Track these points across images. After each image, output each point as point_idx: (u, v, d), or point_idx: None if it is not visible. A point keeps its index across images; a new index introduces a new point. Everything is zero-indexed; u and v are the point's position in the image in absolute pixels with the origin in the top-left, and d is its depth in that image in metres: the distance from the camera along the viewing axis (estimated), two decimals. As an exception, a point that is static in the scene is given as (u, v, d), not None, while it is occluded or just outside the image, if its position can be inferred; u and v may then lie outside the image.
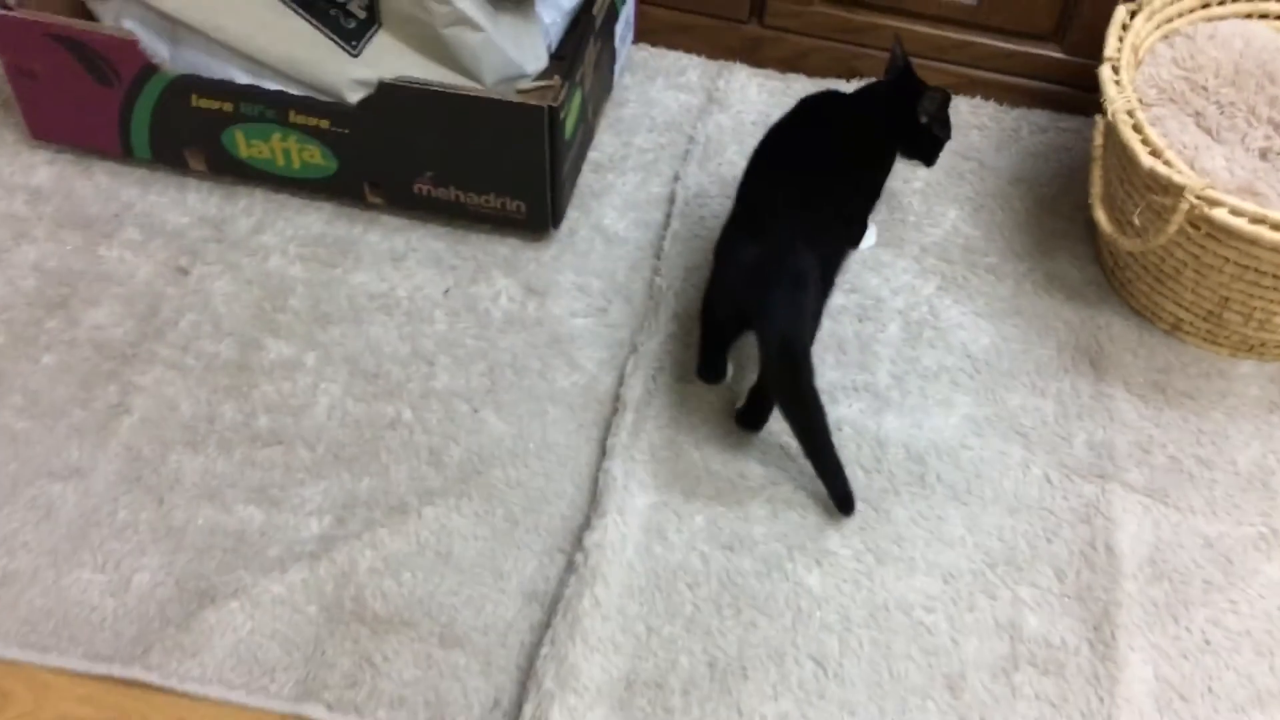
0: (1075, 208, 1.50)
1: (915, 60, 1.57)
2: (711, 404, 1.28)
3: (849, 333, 1.37)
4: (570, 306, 1.37)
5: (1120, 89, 1.26)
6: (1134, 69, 1.34)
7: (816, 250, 1.19)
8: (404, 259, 1.40)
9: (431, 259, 1.40)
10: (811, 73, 1.65)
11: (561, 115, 1.29)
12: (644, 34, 1.67)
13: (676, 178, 1.51)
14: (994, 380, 1.33)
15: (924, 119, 1.31)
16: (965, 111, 1.61)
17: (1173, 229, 1.20)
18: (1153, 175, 1.21)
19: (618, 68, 1.59)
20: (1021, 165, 1.56)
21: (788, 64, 1.65)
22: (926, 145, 1.33)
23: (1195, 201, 1.18)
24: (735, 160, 1.54)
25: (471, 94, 1.29)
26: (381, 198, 1.42)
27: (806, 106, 1.35)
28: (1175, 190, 1.19)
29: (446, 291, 1.37)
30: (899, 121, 1.33)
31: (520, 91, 1.30)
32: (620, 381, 1.29)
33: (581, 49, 1.35)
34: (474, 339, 1.33)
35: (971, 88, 1.61)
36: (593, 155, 1.54)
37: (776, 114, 1.56)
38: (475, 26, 1.29)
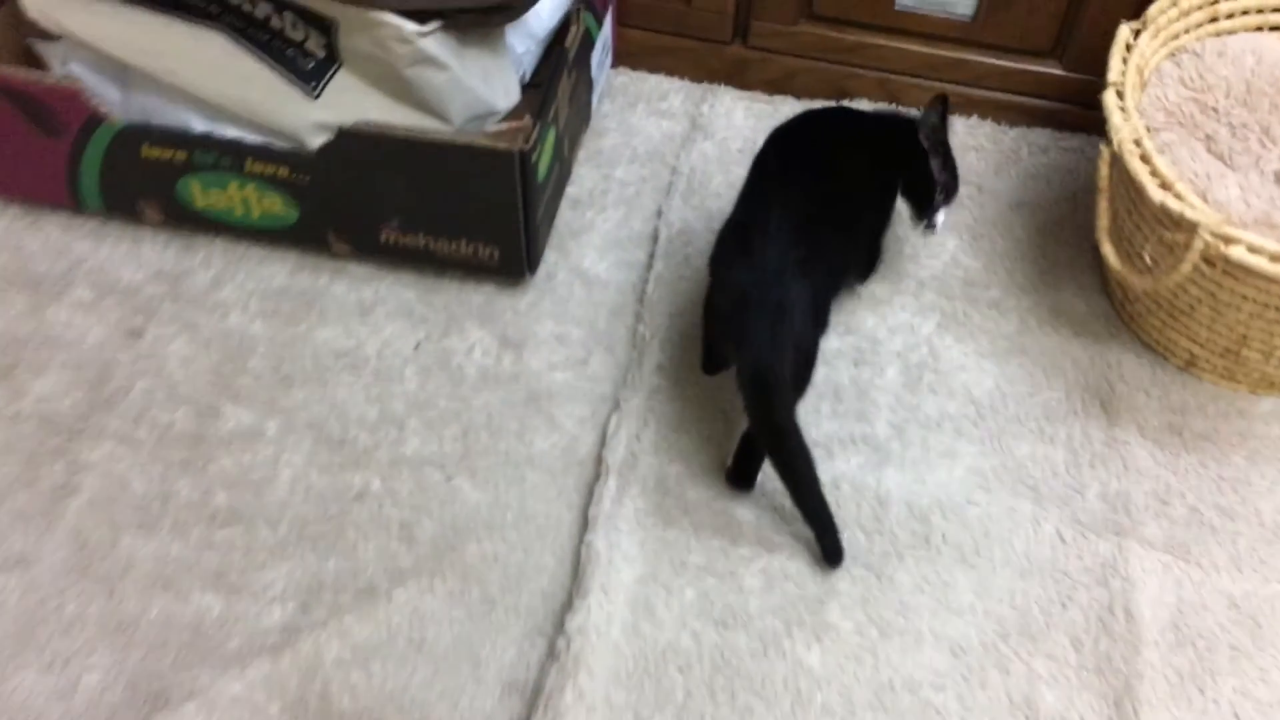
0: (1079, 234, 1.42)
1: (907, 79, 1.50)
2: (700, 464, 1.20)
3: (845, 379, 1.29)
4: (549, 359, 1.29)
5: (1126, 116, 1.18)
6: (1139, 91, 1.26)
7: (810, 278, 1.11)
8: (372, 311, 1.32)
9: (401, 310, 1.32)
10: (800, 94, 1.57)
11: (534, 158, 1.21)
12: (623, 57, 1.59)
13: (659, 213, 1.43)
14: (1000, 427, 1.25)
15: (924, 138, 1.23)
16: (962, 132, 1.53)
17: (1187, 268, 1.12)
18: (1164, 210, 1.13)
19: (595, 95, 1.51)
20: (1022, 189, 1.48)
21: (775, 86, 1.56)
22: (922, 183, 1.25)
23: (1210, 239, 1.10)
24: (721, 192, 1.46)
25: (437, 139, 1.20)
26: (347, 246, 1.34)
27: (814, 119, 1.27)
28: (1188, 227, 1.11)
29: (417, 346, 1.29)
30: (907, 151, 1.25)
31: (489, 134, 1.22)
32: (602, 442, 1.22)
33: (554, 83, 1.27)
34: (446, 399, 1.25)
35: (968, 107, 1.53)
36: (571, 191, 1.45)
37: (763, 140, 1.49)
38: (440, 65, 1.21)
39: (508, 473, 1.20)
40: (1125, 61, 1.23)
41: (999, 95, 1.51)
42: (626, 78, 1.59)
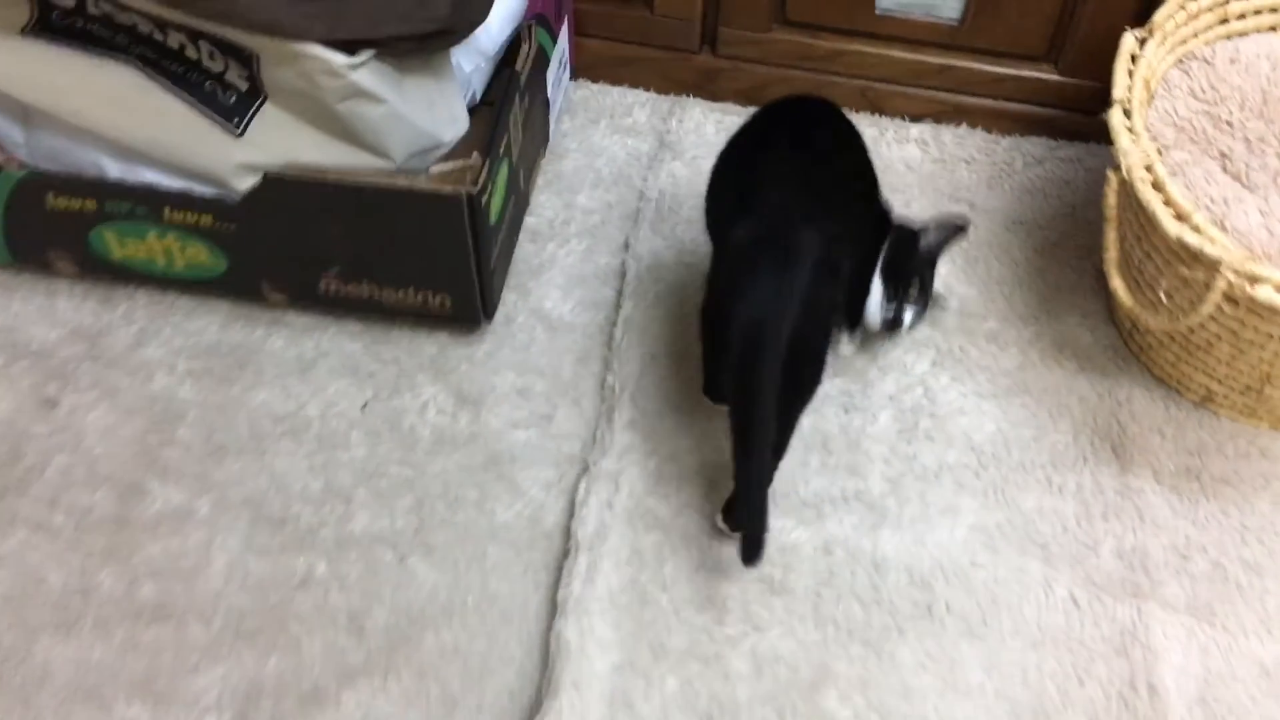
0: (1081, 254, 1.32)
1: (890, 87, 1.39)
2: (679, 531, 1.10)
3: (834, 427, 1.18)
4: (510, 416, 1.18)
5: (1135, 139, 1.07)
6: (1146, 104, 1.15)
7: (823, 232, 0.97)
8: (313, 368, 1.20)
9: (346, 366, 1.20)
10: None
11: (484, 200, 1.09)
12: (583, 69, 1.47)
13: (627, 245, 1.31)
14: (1003, 477, 1.15)
15: (924, 243, 1.14)
16: (950, 143, 1.42)
17: (1208, 309, 1.02)
18: (1181, 245, 1.02)
19: (554, 115, 1.39)
20: (1018, 205, 1.37)
21: (747, 97, 1.45)
22: (904, 270, 1.15)
23: (1234, 279, 0.99)
24: (693, 218, 1.34)
25: (375, 184, 1.08)
26: (283, 296, 1.21)
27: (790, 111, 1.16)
28: (1209, 264, 1.01)
29: (365, 406, 1.18)
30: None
31: (434, 176, 1.09)
32: (571, 511, 1.10)
33: (504, 113, 1.15)
34: (398, 465, 1.14)
35: (957, 115, 1.42)
36: (530, 221, 1.34)
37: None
38: (376, 99, 1.09)
39: (467, 549, 1.09)
40: (1131, 75, 1.12)
41: (989, 102, 1.40)
42: (587, 91, 1.47)
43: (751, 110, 1.43)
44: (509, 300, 1.26)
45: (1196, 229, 1.02)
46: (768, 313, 0.92)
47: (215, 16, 1.04)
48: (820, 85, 1.41)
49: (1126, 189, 1.08)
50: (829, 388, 1.20)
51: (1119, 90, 1.10)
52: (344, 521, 1.10)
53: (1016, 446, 1.17)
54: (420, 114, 1.14)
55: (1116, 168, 1.07)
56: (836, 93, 1.42)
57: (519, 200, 1.26)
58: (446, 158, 1.15)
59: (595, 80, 1.47)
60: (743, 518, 1.03)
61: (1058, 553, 1.10)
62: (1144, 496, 1.14)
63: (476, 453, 1.15)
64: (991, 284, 1.30)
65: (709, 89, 1.45)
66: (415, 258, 1.14)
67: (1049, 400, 1.21)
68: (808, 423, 1.18)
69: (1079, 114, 1.38)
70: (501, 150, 1.13)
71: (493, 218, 1.13)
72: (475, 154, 1.09)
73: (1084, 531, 1.11)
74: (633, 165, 1.39)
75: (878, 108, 1.41)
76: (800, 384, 1.01)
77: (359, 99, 1.08)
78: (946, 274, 1.30)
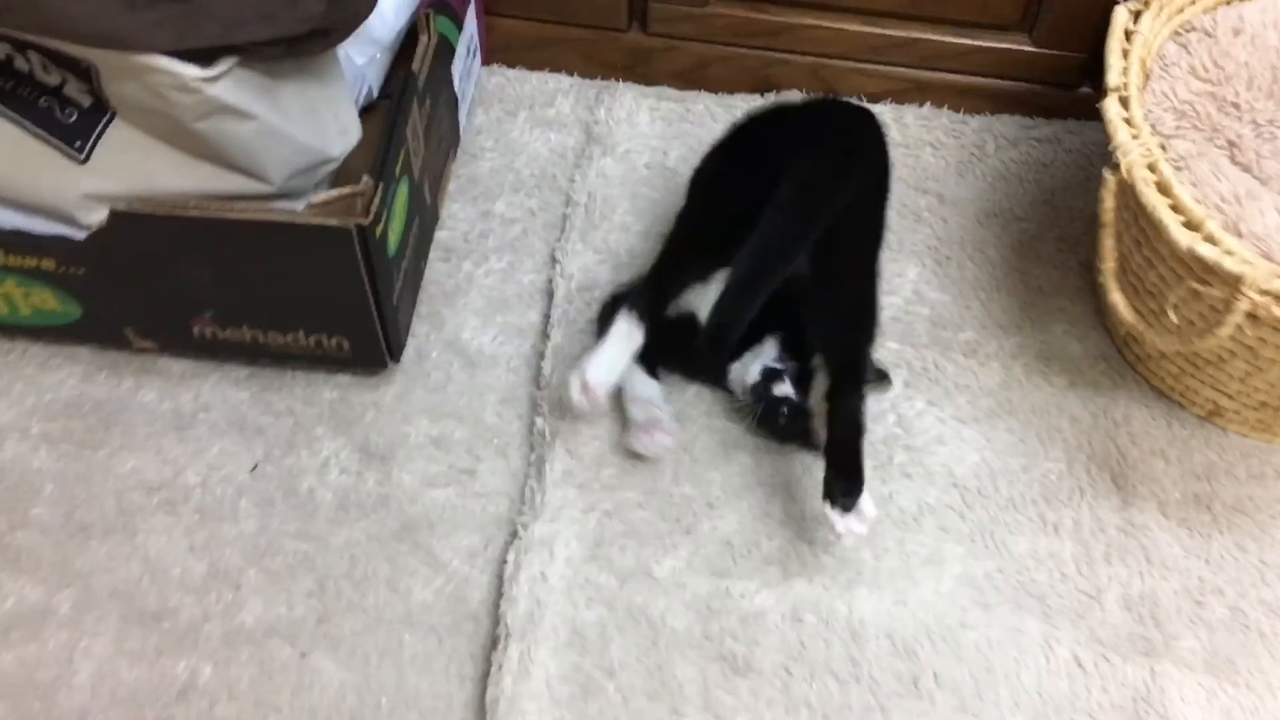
0: (1063, 247, 1.17)
1: (845, 64, 1.23)
2: (625, 605, 0.95)
3: (797, 468, 1.03)
4: (425, 472, 1.02)
5: (1135, 133, 0.93)
6: (1142, 88, 1.00)
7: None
8: (193, 425, 1.03)
9: (232, 420, 1.04)
10: (716, 88, 1.29)
11: (378, 230, 0.92)
12: (497, 52, 1.29)
13: (554, 259, 1.15)
14: (991, 517, 1.01)
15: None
16: (914, 125, 1.26)
17: (1227, 330, 0.88)
18: (1194, 259, 0.88)
19: (464, 110, 1.21)
20: (991, 194, 1.22)
21: (685, 79, 1.28)
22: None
23: (1258, 298, 0.85)
24: (628, 223, 1.18)
25: (246, 218, 0.91)
26: (152, 343, 1.04)
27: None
28: (1228, 280, 0.87)
29: (254, 468, 1.01)
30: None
31: (317, 205, 0.92)
32: (500, 587, 0.95)
33: (400, 123, 0.97)
34: (295, 539, 0.98)
35: (920, 94, 1.26)
36: (441, 237, 1.17)
37: (676, 150, 1.22)
38: (242, 114, 0.91)
39: (380, 638, 0.93)
40: (1126, 55, 0.97)
41: (956, 78, 1.25)
42: (502, 78, 1.30)
43: (689, 95, 1.28)
44: (420, 332, 1.10)
45: (1211, 239, 0.88)
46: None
47: (36, 29, 0.86)
48: (767, 64, 1.25)
49: (1126, 191, 0.93)
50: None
51: (1114, 75, 0.95)
52: (232, 612, 0.94)
53: (1004, 480, 1.03)
54: (301, 127, 0.96)
55: (1114, 167, 0.93)
56: (785, 73, 1.26)
57: (425, 218, 1.09)
58: (334, 180, 0.98)
59: (511, 65, 1.30)
60: (722, 309, 0.91)
61: (1057, 606, 0.96)
62: (1150, 533, 1.00)
63: (388, 519, 0.99)
64: (966, 288, 1.15)
65: (641, 71, 1.28)
66: (302, 299, 0.97)
67: (1038, 423, 1.07)
68: (767, 462, 1.03)
69: (1056, 88, 1.23)
70: (398, 169, 0.96)
71: (392, 248, 0.96)
72: (366, 177, 0.91)
73: (1085, 579, 0.98)
74: (557, 164, 1.23)
75: (832, 87, 1.26)
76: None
77: (221, 116, 0.90)
78: (915, 278, 1.16)
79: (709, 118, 1.27)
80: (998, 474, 1.04)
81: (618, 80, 1.29)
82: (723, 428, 1.05)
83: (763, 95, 1.27)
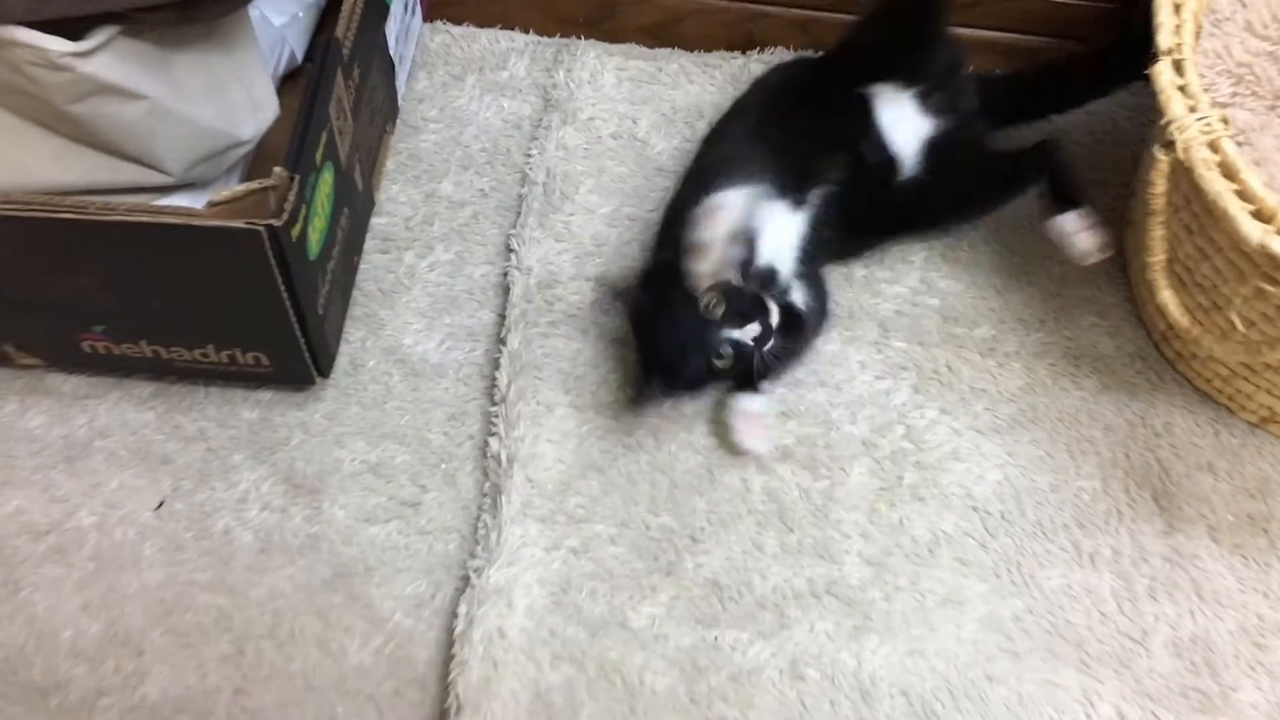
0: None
1: (839, 16, 1.08)
2: (598, 660, 0.81)
3: (793, 491, 0.90)
4: (361, 505, 0.87)
5: (1192, 104, 0.78)
6: (1194, 49, 0.85)
7: None
8: (87, 454, 0.88)
9: (134, 448, 0.89)
10: (691, 45, 1.13)
11: (294, 231, 0.76)
12: (441, 7, 1.13)
13: (510, 249, 1.00)
14: (1018, 546, 0.88)
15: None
16: None
17: (1307, 340, 0.74)
18: (1266, 256, 0.74)
19: (402, 76, 1.05)
20: (1006, 164, 1.07)
21: (655, 35, 1.13)
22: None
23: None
24: (594, 204, 1.03)
25: (133, 219, 0.75)
26: (36, 359, 0.88)
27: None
28: (1311, 279, 0.73)
29: (160, 506, 0.87)
30: None
31: (223, 201, 0.76)
32: (450, 646, 0.81)
33: (322, 101, 0.81)
34: (208, 591, 0.83)
35: None
36: (379, 224, 1.01)
37: (646, 118, 1.07)
38: (127, 94, 0.76)
39: (309, 712, 0.79)
40: (1178, 9, 0.82)
41: (965, 32, 1.09)
42: (447, 36, 1.13)
43: (661, 53, 1.12)
44: (354, 338, 0.95)
45: (1288, 231, 0.74)
46: None
47: None
48: (748, 18, 1.10)
49: (1181, 173, 0.79)
50: (780, 434, 0.91)
51: (1165, 35, 0.80)
52: (133, 684, 0.80)
53: (1031, 501, 0.90)
54: (203, 106, 0.81)
55: (1168, 145, 0.78)
56: (768, 27, 1.11)
57: (357, 205, 0.93)
58: (251, 166, 0.82)
59: (458, 21, 1.14)
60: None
61: (1097, 652, 0.84)
62: (1200, 563, 0.88)
63: (318, 564, 0.85)
64: (980, 276, 1.01)
65: (605, 27, 1.12)
66: (209, 310, 0.82)
67: (1066, 433, 0.93)
68: (758, 484, 0.89)
69: (1080, 43, 1.08)
70: (319, 155, 0.80)
71: (313, 249, 0.81)
72: (279, 169, 0.75)
73: (1128, 619, 0.85)
74: (511, 136, 1.07)
75: (820, 44, 1.11)
76: None
77: (101, 96, 0.75)
78: (922, 264, 1.01)
79: (684, 78, 1.11)
80: (1023, 494, 0.90)
81: (579, 37, 1.13)
82: (707, 445, 0.91)
83: (744, 53, 1.12)
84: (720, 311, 0.84)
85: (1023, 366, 0.96)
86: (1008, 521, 0.89)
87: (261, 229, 0.74)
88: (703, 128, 1.07)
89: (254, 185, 0.75)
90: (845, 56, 0.97)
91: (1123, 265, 1.00)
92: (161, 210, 0.74)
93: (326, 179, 0.82)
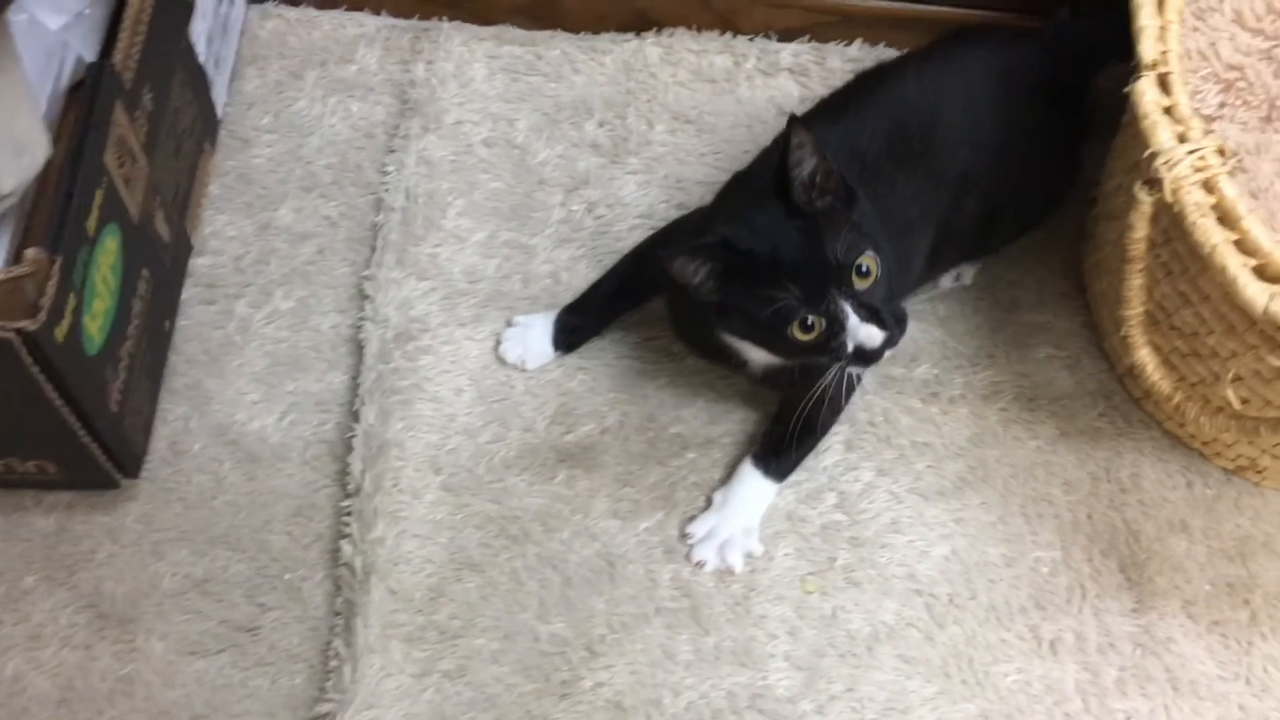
0: (1044, 239, 0.89)
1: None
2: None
3: (707, 582, 0.76)
4: (184, 635, 0.73)
5: (1181, 129, 0.64)
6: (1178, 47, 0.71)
7: None
8: None
9: (-105, 576, 0.72)
10: (575, 25, 0.99)
11: (60, 331, 0.59)
12: (273, -14, 0.95)
13: (363, 294, 0.83)
14: (967, 636, 0.77)
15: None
16: (840, 69, 0.98)
17: (1318, 424, 0.62)
18: (1278, 327, 0.61)
19: (221, 81, 0.87)
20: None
21: (533, 15, 0.98)
22: None
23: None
24: (464, 230, 0.87)
25: None
26: None
27: None
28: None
29: (-68, 648, 0.71)
30: None
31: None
32: (295, 816, 0.67)
33: (90, 150, 0.64)
34: (-5, 760, 0.68)
35: (846, 28, 1.00)
36: (200, 266, 0.84)
37: (526, 117, 0.90)
38: None
39: None
40: (1161, 6, 0.68)
41: (893, 5, 0.96)
42: (280, 22, 0.95)
43: (540, 37, 0.95)
44: (174, 417, 0.78)
45: (1297, 292, 0.61)
46: None
47: None
48: (642, -6, 0.93)
49: (1166, 214, 0.65)
50: (696, 507, 0.78)
51: (1148, 44, 0.66)
52: None
53: (983, 580, 0.78)
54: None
55: (1150, 182, 0.64)
56: (669, 4, 0.94)
57: (164, 259, 0.77)
58: (26, 216, 0.64)
59: (293, 3, 0.96)
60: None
61: (1063, 762, 0.72)
62: (1175, 647, 0.77)
63: (132, 713, 0.70)
64: (920, 303, 0.87)
65: (473, 7, 0.96)
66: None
67: (1021, 491, 0.81)
68: (666, 575, 0.76)
69: (1026, 15, 0.93)
70: (93, 221, 0.63)
71: (93, 343, 0.64)
72: (33, 252, 0.58)
73: (1097, 715, 0.73)
74: (363, 147, 0.91)
75: (730, 24, 0.97)
76: None
77: None
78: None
79: (568, 67, 0.95)
80: (973, 571, 0.79)
81: (442, 19, 0.98)
82: (606, 531, 0.77)
83: (638, 35, 0.96)
84: (872, 281, 0.66)
85: (970, 412, 0.83)
86: (956, 606, 0.77)
87: (12, 335, 0.57)
88: (591, 129, 0.91)
89: (3, 275, 0.57)
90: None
91: (1081, 286, 0.87)
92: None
93: (109, 247, 0.65)
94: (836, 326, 0.65)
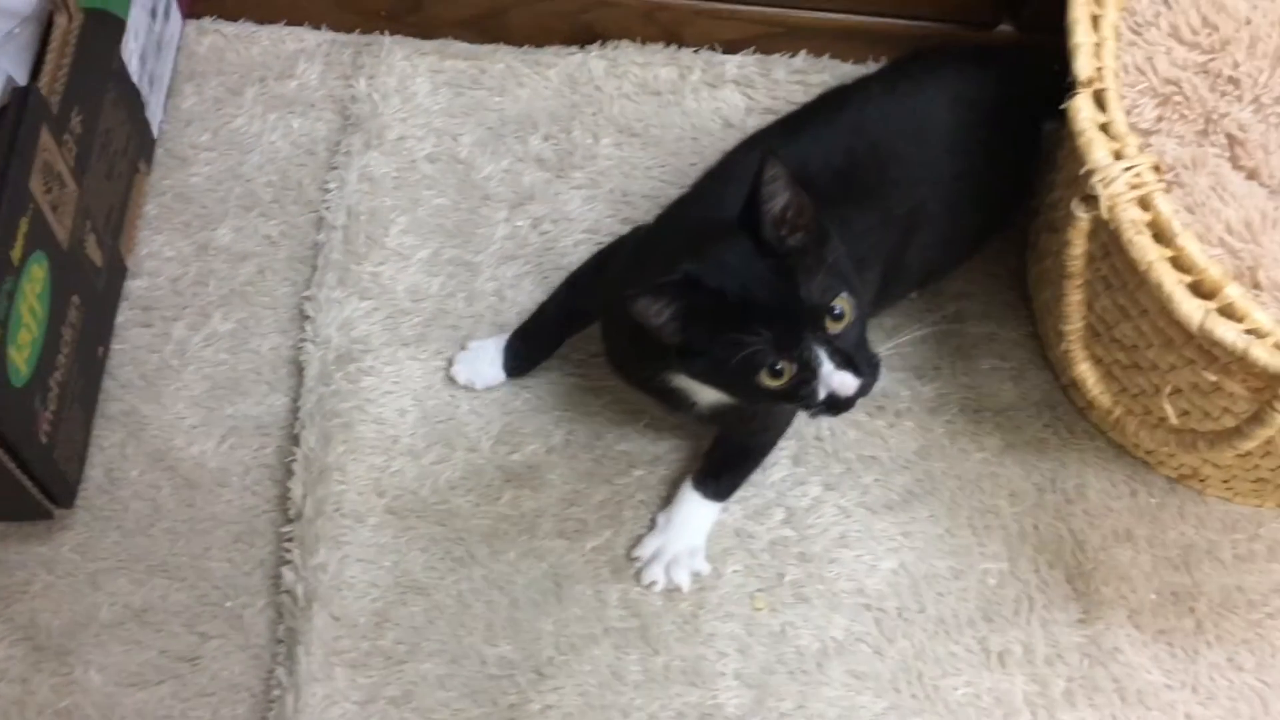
0: (994, 252, 0.89)
1: (690, 6, 0.92)
2: None
3: (656, 601, 0.76)
4: (123, 666, 0.72)
5: (1118, 147, 0.64)
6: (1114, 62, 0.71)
7: None
8: None
9: None
10: (520, 39, 0.97)
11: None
12: (205, 1, 0.93)
13: (304, 315, 0.82)
14: (916, 650, 0.78)
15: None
16: (785, 81, 0.97)
17: (1253, 443, 0.63)
18: (1212, 342, 0.61)
19: (157, 99, 0.86)
20: (889, 173, 0.93)
21: (477, 29, 0.97)
22: None
23: (1307, 402, 0.59)
24: (408, 248, 0.86)
25: None
26: None
27: None
28: (1262, 378, 0.61)
29: None
30: None
31: None
32: None
33: (15, 177, 0.62)
34: (-73, 802, 0.66)
35: (791, 40, 0.97)
36: (137, 288, 0.83)
37: (470, 133, 0.90)
38: None
39: None
40: (1096, 23, 0.68)
41: (838, 17, 0.95)
42: (218, 38, 0.94)
43: (484, 50, 0.95)
44: (109, 444, 0.77)
45: (1234, 312, 0.61)
46: None
47: None
48: (586, 7, 0.94)
49: (1103, 232, 0.65)
50: (643, 525, 0.77)
51: (1084, 61, 0.66)
52: None
53: (931, 593, 0.78)
54: None
55: (1087, 199, 0.64)
56: (611, 18, 0.95)
57: (97, 285, 0.75)
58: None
59: (231, 17, 0.95)
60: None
61: (1012, 777, 0.72)
62: (1122, 657, 0.78)
63: (68, 753, 0.68)
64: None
65: (414, 20, 0.96)
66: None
67: (968, 503, 0.81)
68: (614, 595, 0.75)
69: (967, 28, 0.93)
70: (19, 250, 0.61)
71: (19, 375, 0.63)
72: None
73: (1045, 728, 0.74)
74: (304, 164, 0.89)
75: (674, 37, 0.96)
76: None
77: None
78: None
79: (513, 81, 0.94)
80: (921, 585, 0.79)
81: (383, 33, 0.96)
82: (553, 551, 0.77)
83: (583, 48, 0.95)
84: (845, 324, 0.63)
85: (916, 425, 0.83)
86: (905, 620, 0.77)
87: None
88: (536, 143, 0.90)
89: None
90: None
91: (1027, 295, 0.87)
92: None
93: (36, 275, 0.64)
94: (808, 373, 0.62)
